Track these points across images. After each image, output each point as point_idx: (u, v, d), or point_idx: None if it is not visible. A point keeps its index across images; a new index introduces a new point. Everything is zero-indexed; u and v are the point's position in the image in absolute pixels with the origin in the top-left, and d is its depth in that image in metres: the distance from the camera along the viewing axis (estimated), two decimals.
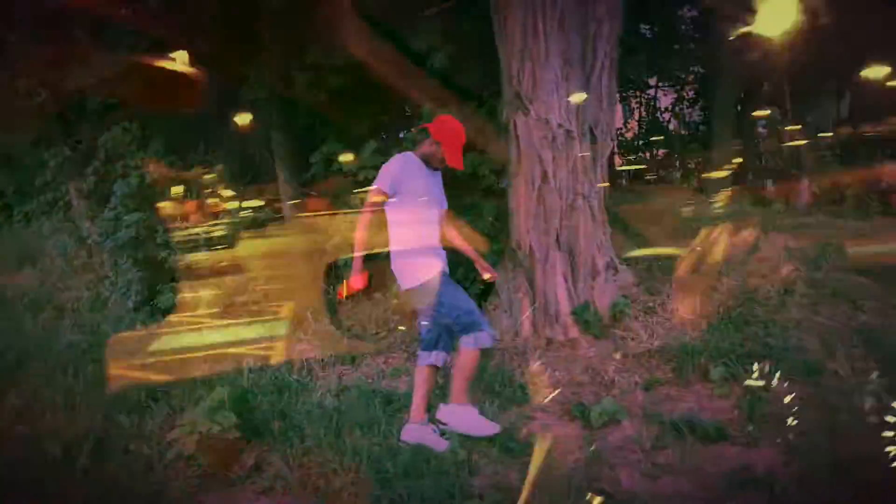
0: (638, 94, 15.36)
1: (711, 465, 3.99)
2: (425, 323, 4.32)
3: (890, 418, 4.50)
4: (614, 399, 4.72)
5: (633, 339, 5.48)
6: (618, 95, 5.45)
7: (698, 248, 6.35)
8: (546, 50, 5.10)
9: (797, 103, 12.50)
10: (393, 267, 4.24)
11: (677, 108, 15.06)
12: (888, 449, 4.22)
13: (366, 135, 6.68)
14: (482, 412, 4.46)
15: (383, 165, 4.17)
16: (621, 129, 15.13)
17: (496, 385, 5.07)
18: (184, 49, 6.73)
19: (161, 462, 4.03)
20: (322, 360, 5.86)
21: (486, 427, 4.32)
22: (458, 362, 4.30)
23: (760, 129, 13.28)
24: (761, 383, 4.80)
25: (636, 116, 15.28)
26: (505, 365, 5.36)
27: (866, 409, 4.51)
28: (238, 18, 6.99)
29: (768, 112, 12.75)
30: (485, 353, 4.52)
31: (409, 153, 4.26)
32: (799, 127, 11.60)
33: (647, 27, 13.99)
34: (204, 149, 9.97)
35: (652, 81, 15.58)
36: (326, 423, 4.47)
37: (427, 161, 4.24)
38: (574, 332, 5.62)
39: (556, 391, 4.96)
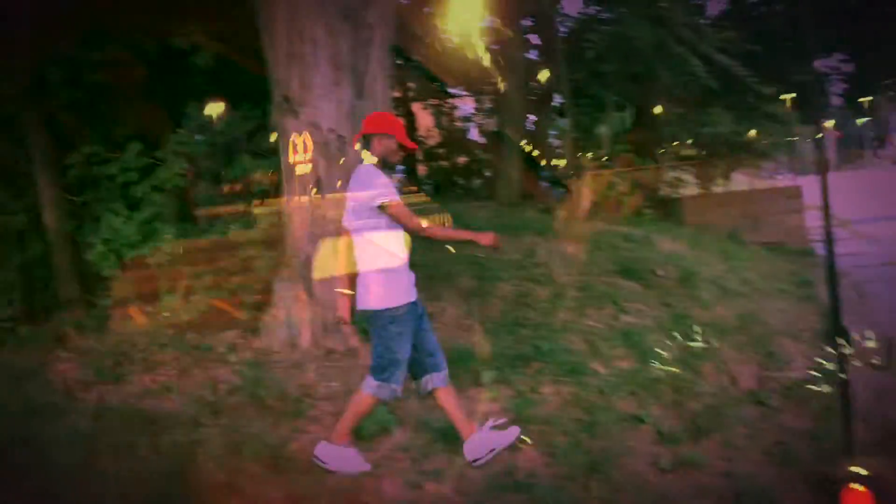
0: (441, 102, 15.65)
1: (477, 469, 4.05)
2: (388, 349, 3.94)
3: (641, 412, 4.84)
4: (387, 409, 4.68)
5: None
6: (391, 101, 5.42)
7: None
8: (315, 54, 4.97)
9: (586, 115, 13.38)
10: (367, 284, 3.93)
11: (475, 118, 15.52)
12: (631, 444, 4.52)
13: (130, 135, 6.23)
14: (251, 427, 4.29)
15: (375, 179, 3.87)
16: (425, 137, 15.32)
17: (269, 399, 4.88)
18: None
19: None
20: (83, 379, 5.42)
21: (361, 465, 4.07)
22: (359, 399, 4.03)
23: (551, 139, 14.00)
24: (529, 385, 4.98)
25: (435, 124, 15.54)
26: (280, 378, 5.18)
27: (619, 407, 4.81)
28: None
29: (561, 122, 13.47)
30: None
31: (370, 166, 3.96)
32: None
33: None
34: None
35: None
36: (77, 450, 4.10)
37: (386, 163, 4.01)
38: (355, 341, 5.52)
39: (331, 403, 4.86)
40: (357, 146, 4.15)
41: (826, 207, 4.49)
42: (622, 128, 13.83)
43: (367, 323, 4.06)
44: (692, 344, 5.52)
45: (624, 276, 6.57)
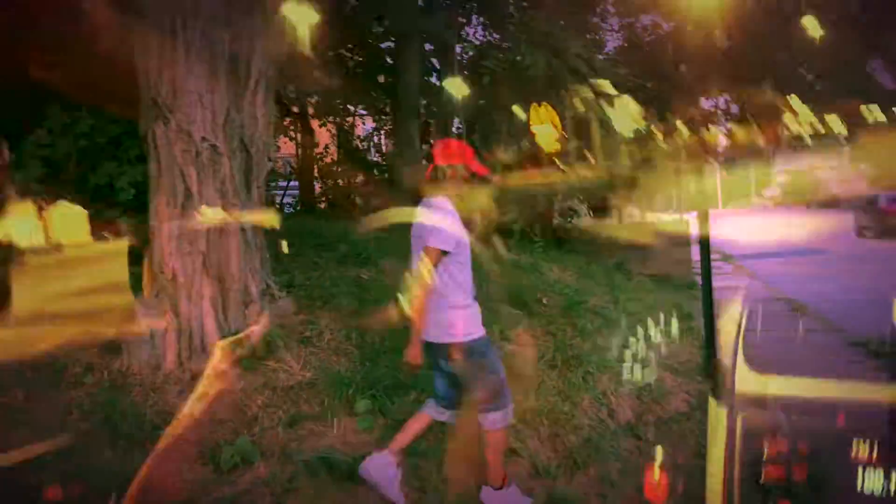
0: (339, 121, 15.43)
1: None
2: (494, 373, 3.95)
3: (518, 445, 4.73)
4: (251, 438, 4.39)
5: (284, 371, 5.18)
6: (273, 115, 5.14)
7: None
8: (187, 59, 4.66)
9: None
10: (441, 318, 3.82)
11: (375, 138, 15.36)
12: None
13: None
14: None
15: (436, 217, 3.76)
16: (322, 153, 15.03)
17: (124, 426, 4.49)
18: None
19: None
20: None
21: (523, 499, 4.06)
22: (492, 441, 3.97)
23: None
24: (407, 415, 4.78)
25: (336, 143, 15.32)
26: (140, 403, 4.79)
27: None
28: None
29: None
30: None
31: (444, 200, 3.86)
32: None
33: (350, 55, 14.20)
34: None
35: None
36: None
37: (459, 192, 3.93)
38: (224, 364, 5.18)
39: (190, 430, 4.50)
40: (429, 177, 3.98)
41: (705, 243, 4.55)
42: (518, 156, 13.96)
43: (450, 357, 3.87)
44: (571, 375, 5.46)
45: (510, 303, 6.48)
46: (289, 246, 7.21)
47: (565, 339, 6.15)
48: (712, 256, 20.14)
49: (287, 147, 15.33)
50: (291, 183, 14.29)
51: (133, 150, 5.84)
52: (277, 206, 13.74)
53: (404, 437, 4.09)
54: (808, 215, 52.01)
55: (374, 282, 6.38)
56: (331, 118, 15.43)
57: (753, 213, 63.50)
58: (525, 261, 8.33)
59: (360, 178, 14.06)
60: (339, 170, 14.23)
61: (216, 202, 4.90)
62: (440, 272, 3.81)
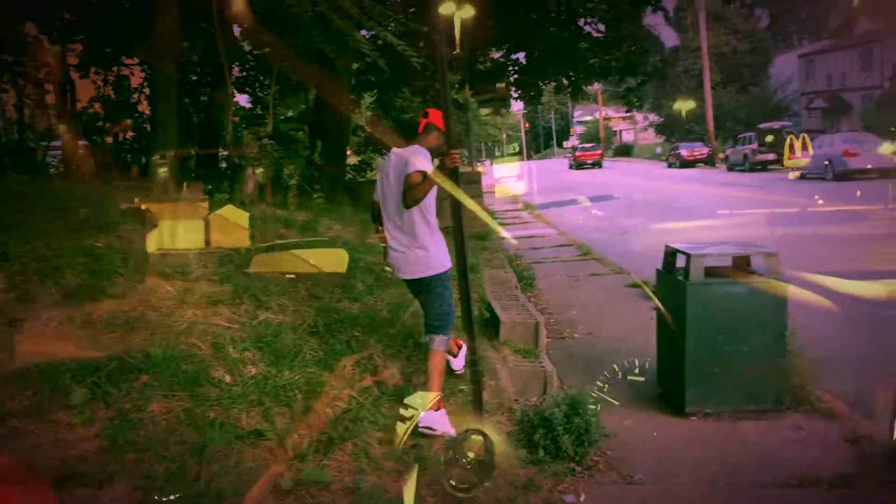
0: (106, 72, 13.84)
1: None
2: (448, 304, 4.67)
3: (265, 426, 4.23)
4: None
5: None
6: None
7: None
8: None
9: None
10: (421, 254, 4.56)
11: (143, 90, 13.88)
12: (249, 465, 3.90)
13: None
14: None
15: (419, 153, 4.51)
16: (87, 107, 13.44)
17: None
18: None
19: None
20: None
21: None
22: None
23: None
24: (134, 403, 4.13)
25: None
26: None
27: (241, 422, 4.14)
28: None
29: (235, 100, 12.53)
30: None
31: (421, 147, 4.61)
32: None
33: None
34: None
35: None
36: None
37: (432, 153, 4.57)
38: None
39: None
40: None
41: (456, 198, 4.21)
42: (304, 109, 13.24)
43: (420, 288, 4.66)
44: (334, 341, 5.02)
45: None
46: (14, 212, 6.21)
47: (332, 301, 5.69)
48: (513, 206, 20.58)
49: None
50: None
51: None
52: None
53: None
54: (606, 164, 55.55)
55: (109, 251, 5.55)
56: (95, 70, 13.82)
57: (556, 163, 66.61)
58: (301, 218, 7.75)
59: (129, 133, 12.74)
60: (106, 126, 12.79)
61: None
62: (415, 215, 4.51)
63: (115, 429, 3.90)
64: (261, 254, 6.23)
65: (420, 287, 4.67)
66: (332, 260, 6.18)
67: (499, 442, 4.28)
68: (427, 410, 4.38)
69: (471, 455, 3.80)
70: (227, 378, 4.45)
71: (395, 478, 4.02)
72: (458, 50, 11.98)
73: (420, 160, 4.46)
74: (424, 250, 4.59)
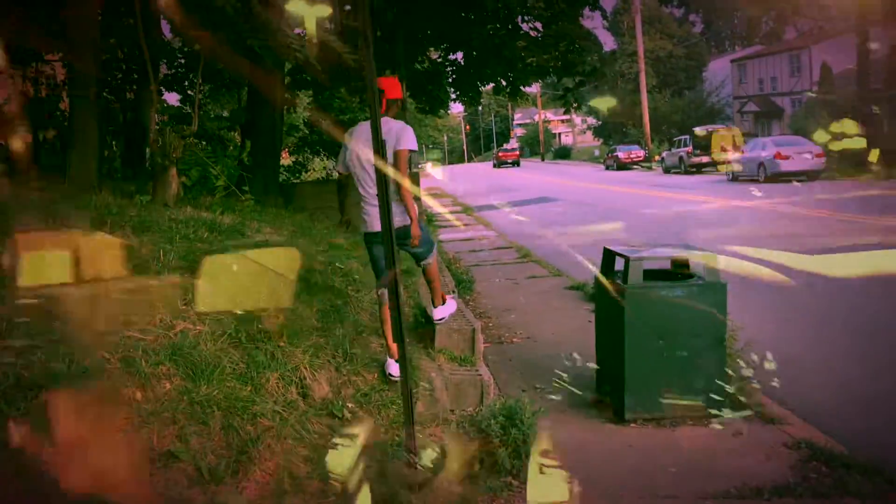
0: (24, 69, 13.15)
1: None
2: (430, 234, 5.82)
3: (178, 447, 3.91)
4: None
5: None
6: None
7: None
8: None
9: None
10: (397, 207, 4.98)
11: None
12: (160, 490, 3.58)
13: None
14: None
15: (410, 132, 5.16)
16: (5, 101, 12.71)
17: None
18: None
19: None
20: None
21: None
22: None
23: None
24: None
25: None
26: None
27: (153, 442, 3.81)
28: None
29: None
30: None
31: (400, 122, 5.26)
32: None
33: None
34: None
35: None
36: None
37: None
38: None
39: None
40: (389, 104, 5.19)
41: (383, 198, 3.96)
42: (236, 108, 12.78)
43: (403, 234, 5.12)
44: (257, 352, 4.71)
45: (192, 274, 5.53)
46: None
47: (255, 310, 5.36)
48: (454, 208, 20.32)
49: None
50: None
51: None
52: None
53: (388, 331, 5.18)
54: (546, 166, 56.10)
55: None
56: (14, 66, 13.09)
57: (496, 167, 67.05)
58: (227, 222, 7.37)
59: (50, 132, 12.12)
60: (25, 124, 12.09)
61: None
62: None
63: (8, 455, 3.53)
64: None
65: (403, 232, 5.15)
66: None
67: (432, 457, 4.08)
68: (436, 307, 5.78)
69: (401, 472, 3.59)
70: (139, 395, 4.11)
71: (320, 499, 3.76)
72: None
73: (411, 138, 5.12)
74: (399, 204, 5.07)
